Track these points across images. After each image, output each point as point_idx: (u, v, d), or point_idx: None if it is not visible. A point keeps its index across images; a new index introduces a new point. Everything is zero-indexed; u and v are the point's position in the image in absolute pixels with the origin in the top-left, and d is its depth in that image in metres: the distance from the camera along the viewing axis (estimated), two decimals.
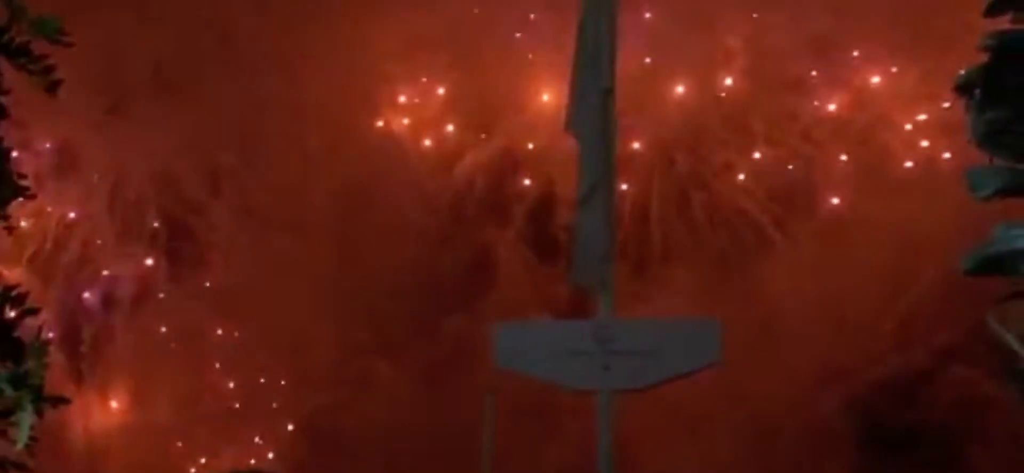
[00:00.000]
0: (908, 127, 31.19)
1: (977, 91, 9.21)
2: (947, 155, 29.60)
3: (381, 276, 30.33)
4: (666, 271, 30.72)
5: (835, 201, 31.50)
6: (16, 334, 10.09)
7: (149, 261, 31.81)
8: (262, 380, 29.58)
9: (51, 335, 9.89)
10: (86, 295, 31.38)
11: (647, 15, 30.00)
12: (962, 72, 9.20)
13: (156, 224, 31.84)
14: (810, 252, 30.85)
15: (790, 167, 31.85)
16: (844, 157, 31.68)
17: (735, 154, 32.12)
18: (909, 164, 31.01)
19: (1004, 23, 9.21)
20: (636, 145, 31.07)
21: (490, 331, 16.28)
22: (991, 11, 9.08)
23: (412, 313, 30.32)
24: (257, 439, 29.89)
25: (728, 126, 32.02)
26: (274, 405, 29.75)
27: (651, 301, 27.78)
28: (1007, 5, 9.05)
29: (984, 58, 9.09)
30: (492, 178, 32.06)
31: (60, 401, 10.11)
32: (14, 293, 10.06)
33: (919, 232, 29.01)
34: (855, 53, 31.64)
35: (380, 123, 31.92)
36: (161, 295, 31.67)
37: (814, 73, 31.82)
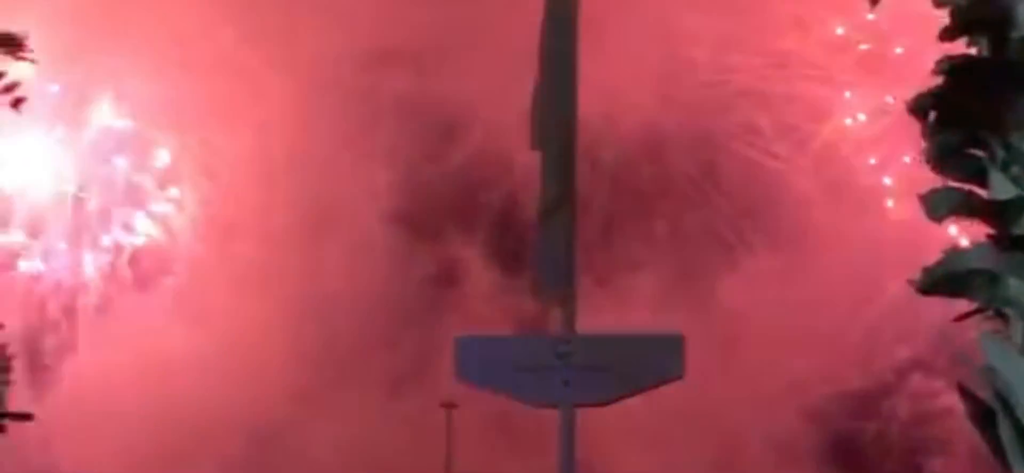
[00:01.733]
0: (870, 140, 31.47)
1: (931, 113, 9.27)
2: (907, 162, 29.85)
3: (342, 288, 30.31)
4: (629, 282, 30.81)
5: (799, 213, 31.71)
6: None
7: (111, 271, 31.69)
8: (221, 394, 29.44)
9: (12, 355, 9.92)
10: (48, 306, 31.23)
11: (610, 28, 30.08)
12: (917, 94, 9.27)
13: (118, 234, 31.70)
14: (773, 264, 31.04)
15: (754, 179, 32.10)
16: (807, 169, 31.93)
17: (697, 166, 32.32)
18: (872, 177, 31.28)
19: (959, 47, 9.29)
20: (600, 156, 31.15)
21: (451, 344, 16.20)
22: (946, 35, 9.14)
23: (373, 326, 30.31)
24: (214, 454, 29.72)
25: (691, 137, 32.22)
26: (232, 419, 29.61)
27: (614, 313, 27.84)
28: (961, 29, 9.13)
29: (938, 80, 9.15)
30: (456, 189, 32.08)
31: (23, 418, 10.15)
32: None
33: (881, 245, 29.21)
34: (818, 68, 31.92)
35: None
36: (122, 305, 31.51)
37: (777, 86, 32.10)
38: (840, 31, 31.17)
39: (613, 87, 28.96)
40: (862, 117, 31.50)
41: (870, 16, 28.38)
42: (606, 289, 29.35)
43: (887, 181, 30.78)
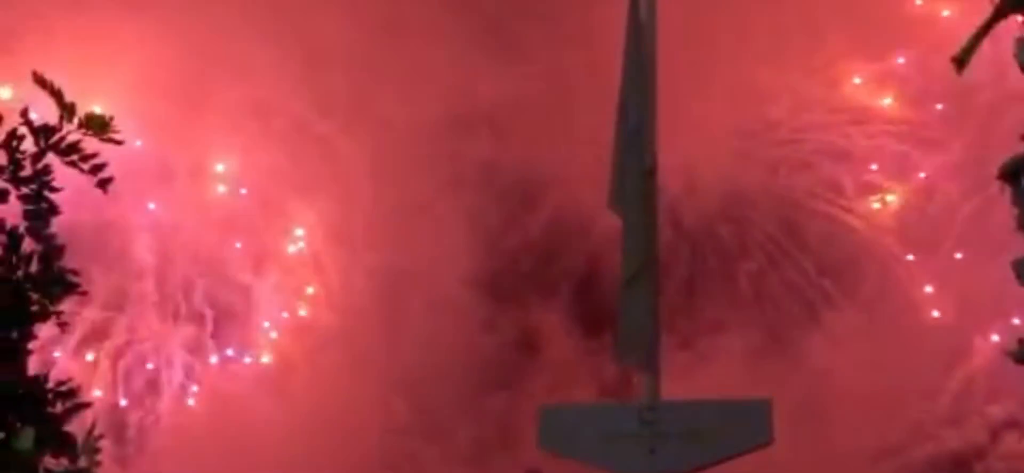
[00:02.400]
0: (956, 198, 30.95)
1: (1022, 178, 9.06)
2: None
3: (425, 356, 30.28)
4: (713, 344, 30.49)
5: (883, 271, 31.25)
6: (66, 428, 10.15)
7: (194, 341, 31.91)
8: (304, 463, 29.45)
9: (101, 435, 9.94)
10: (131, 380, 31.47)
11: (687, 89, 29.96)
12: (1007, 159, 9.05)
13: (201, 305, 31.94)
14: (859, 323, 30.58)
15: (837, 237, 31.74)
16: (890, 227, 31.50)
17: (778, 225, 32.02)
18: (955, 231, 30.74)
19: None
20: (681, 217, 30.97)
21: (535, 412, 16.05)
22: None
23: (456, 393, 30.25)
24: None
25: (771, 196, 31.95)
26: None
27: (698, 374, 27.57)
28: None
29: None
30: (537, 254, 32.02)
31: None
32: (64, 388, 10.13)
33: (971, 305, 28.69)
34: (899, 123, 31.56)
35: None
36: (206, 377, 31.71)
37: (857, 142, 31.78)
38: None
39: (692, 148, 28.83)
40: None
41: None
42: (690, 351, 29.10)
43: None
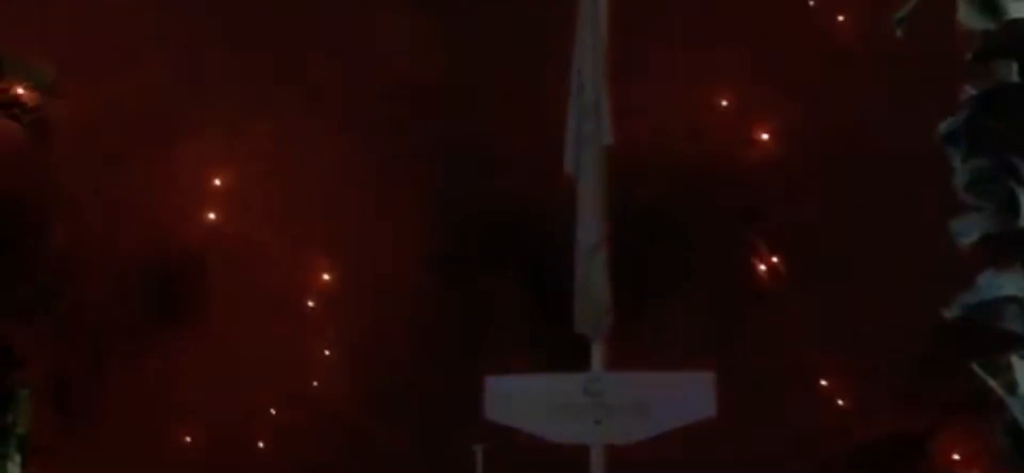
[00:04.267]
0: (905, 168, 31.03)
1: (962, 140, 9.08)
2: None
3: (372, 328, 30.19)
4: (664, 318, 30.56)
5: (835, 245, 31.33)
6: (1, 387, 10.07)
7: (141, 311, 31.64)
8: (251, 438, 29.37)
9: (31, 390, 9.84)
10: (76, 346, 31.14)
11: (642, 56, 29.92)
12: (946, 121, 9.09)
13: (147, 273, 31.66)
14: (810, 299, 30.70)
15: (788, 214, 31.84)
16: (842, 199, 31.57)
17: (732, 199, 32.09)
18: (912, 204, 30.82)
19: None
20: (635, 190, 30.91)
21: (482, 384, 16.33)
22: (975, 59, 8.97)
23: (403, 366, 30.14)
24: None
25: (725, 170, 32.00)
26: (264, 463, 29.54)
27: (651, 350, 27.58)
28: (991, 53, 8.95)
29: (967, 107, 8.97)
30: (488, 226, 31.90)
31: (44, 452, 10.11)
32: None
33: (920, 278, 28.72)
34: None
35: None
36: (152, 345, 31.44)
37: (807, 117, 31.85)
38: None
39: (644, 123, 28.81)
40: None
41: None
42: (642, 325, 29.11)
43: None
